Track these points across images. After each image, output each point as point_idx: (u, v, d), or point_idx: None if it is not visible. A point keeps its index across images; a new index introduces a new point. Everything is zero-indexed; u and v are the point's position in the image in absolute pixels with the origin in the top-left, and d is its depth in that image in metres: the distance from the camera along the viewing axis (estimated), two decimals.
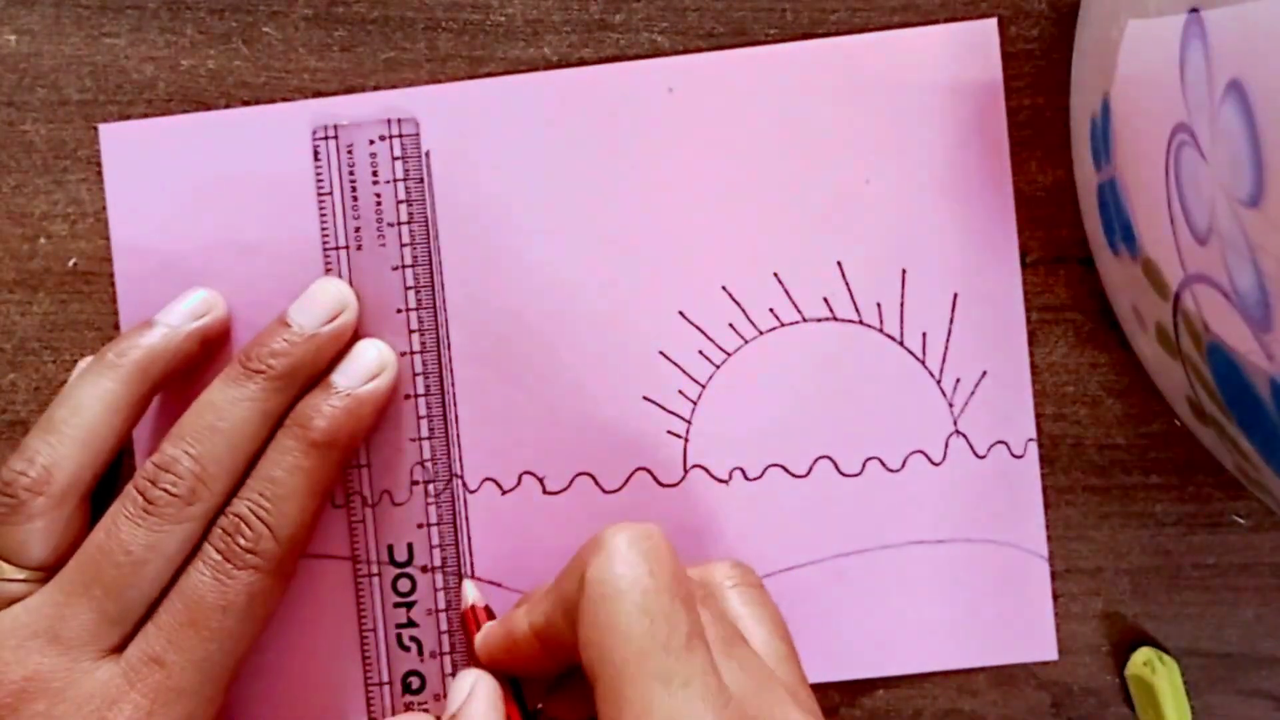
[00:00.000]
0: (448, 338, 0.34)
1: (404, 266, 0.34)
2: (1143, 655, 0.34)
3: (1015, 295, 0.34)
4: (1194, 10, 0.24)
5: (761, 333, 0.34)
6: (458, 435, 0.34)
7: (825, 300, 0.34)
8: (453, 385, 0.34)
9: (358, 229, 0.34)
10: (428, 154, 0.34)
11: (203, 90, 0.35)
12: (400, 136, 0.34)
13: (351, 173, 0.34)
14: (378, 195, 0.34)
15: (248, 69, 0.35)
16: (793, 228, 0.34)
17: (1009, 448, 0.34)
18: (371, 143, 0.34)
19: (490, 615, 0.33)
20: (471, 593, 0.34)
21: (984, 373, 0.34)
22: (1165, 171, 0.26)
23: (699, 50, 0.34)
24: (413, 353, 0.34)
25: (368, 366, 0.33)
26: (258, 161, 0.34)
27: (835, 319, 0.34)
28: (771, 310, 0.34)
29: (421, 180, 0.34)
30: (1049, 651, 0.34)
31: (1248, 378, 0.25)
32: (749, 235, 0.34)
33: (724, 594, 0.31)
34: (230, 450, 0.32)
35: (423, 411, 0.34)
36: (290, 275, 0.34)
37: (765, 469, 0.34)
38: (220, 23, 0.35)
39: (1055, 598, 0.35)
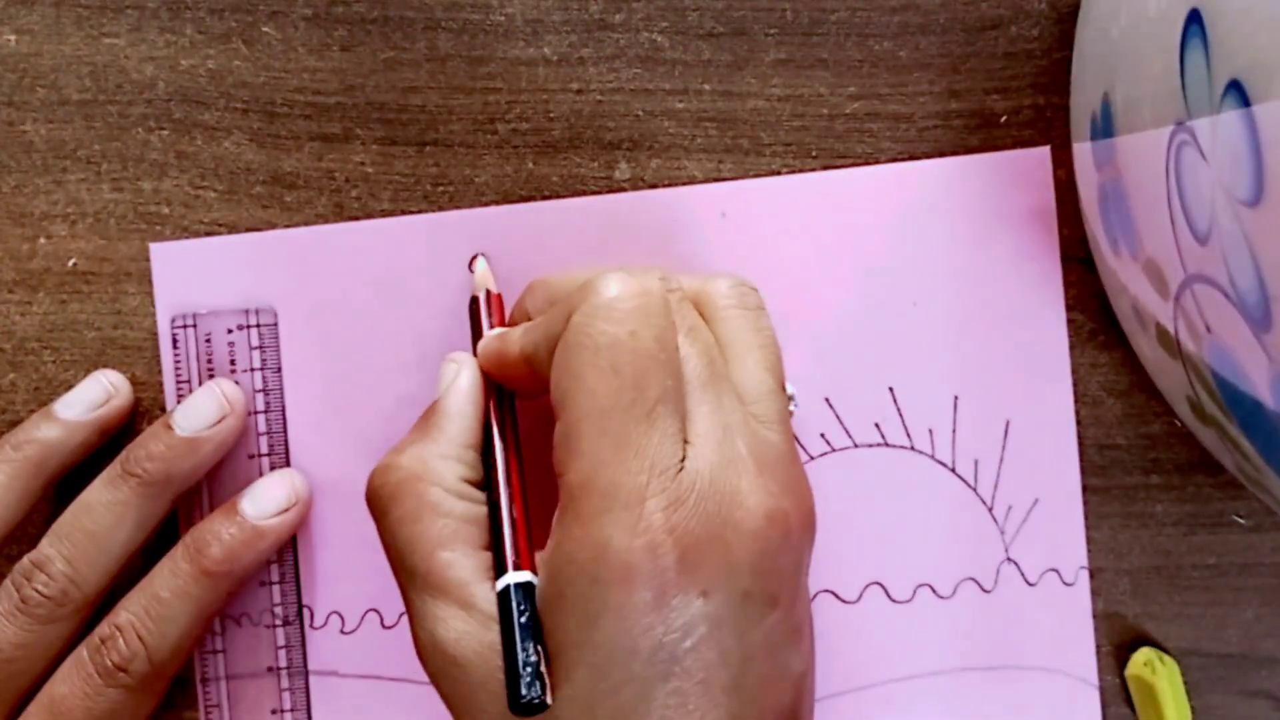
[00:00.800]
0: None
1: (259, 455, 0.34)
2: (1143, 655, 0.34)
3: (1068, 423, 0.34)
4: (1194, 10, 0.24)
5: (813, 458, 0.34)
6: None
7: (877, 425, 0.34)
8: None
9: None
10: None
11: (202, 90, 0.35)
12: (258, 326, 0.34)
13: (210, 361, 0.34)
14: (236, 384, 0.34)
15: (248, 69, 0.35)
16: (844, 353, 0.34)
17: (1060, 576, 0.34)
18: (230, 331, 0.34)
19: (501, 305, 0.33)
20: (485, 276, 0.33)
21: (1036, 500, 0.34)
22: (1165, 171, 0.26)
23: (698, 50, 0.34)
24: None
25: (276, 499, 0.33)
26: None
27: (887, 445, 0.34)
28: (823, 435, 0.34)
29: (279, 370, 0.34)
30: None
31: (1248, 378, 0.25)
32: (801, 359, 0.34)
33: (719, 316, 0.30)
34: (103, 554, 0.32)
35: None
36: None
37: (816, 594, 0.34)
38: (220, 23, 0.35)
39: None
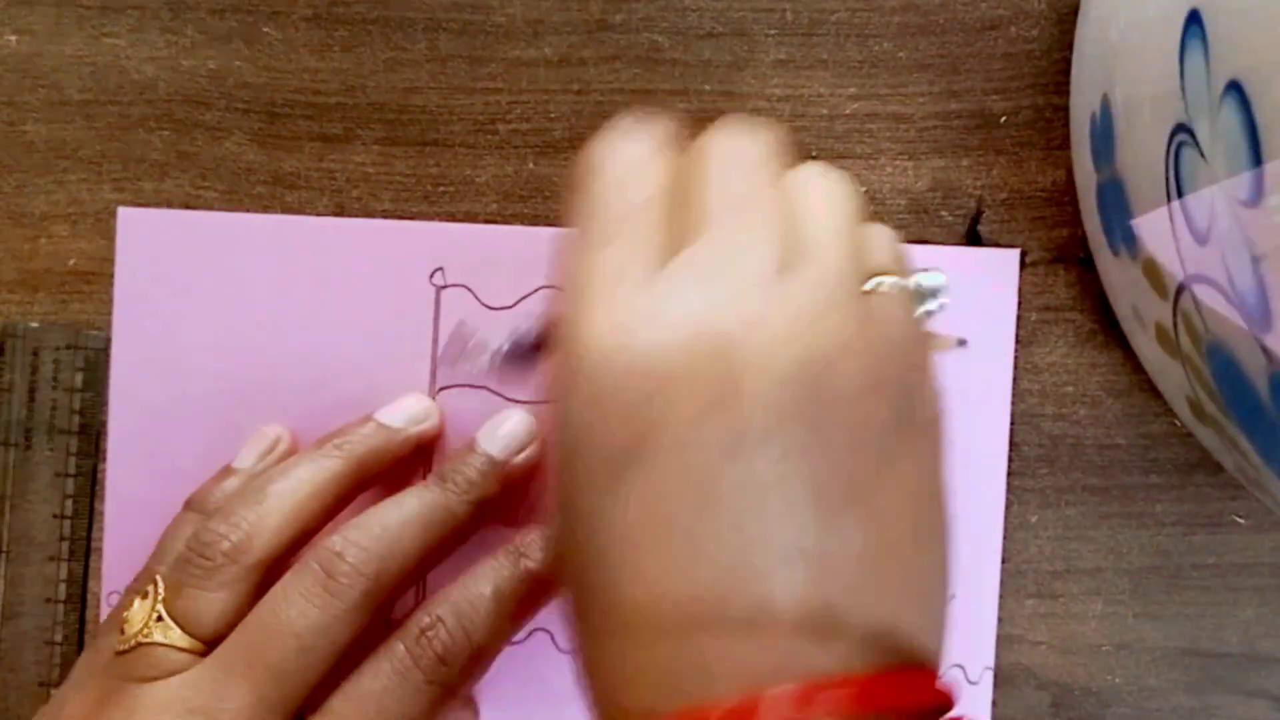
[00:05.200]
0: None
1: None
2: None
3: (996, 524, 0.34)
4: (1194, 10, 0.24)
5: None
6: None
7: None
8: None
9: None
10: None
11: (203, 90, 0.35)
12: (85, 348, 0.34)
13: (34, 373, 0.34)
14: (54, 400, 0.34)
15: (248, 69, 0.35)
16: None
17: (965, 673, 0.34)
18: (57, 349, 0.34)
19: None
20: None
21: (952, 595, 0.34)
22: (1165, 171, 0.26)
23: (698, 50, 0.34)
24: None
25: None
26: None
27: None
28: None
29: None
30: None
31: (1248, 378, 0.25)
32: None
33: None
34: (417, 546, 0.30)
35: None
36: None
37: None
38: (220, 23, 0.35)
39: (1056, 597, 0.35)
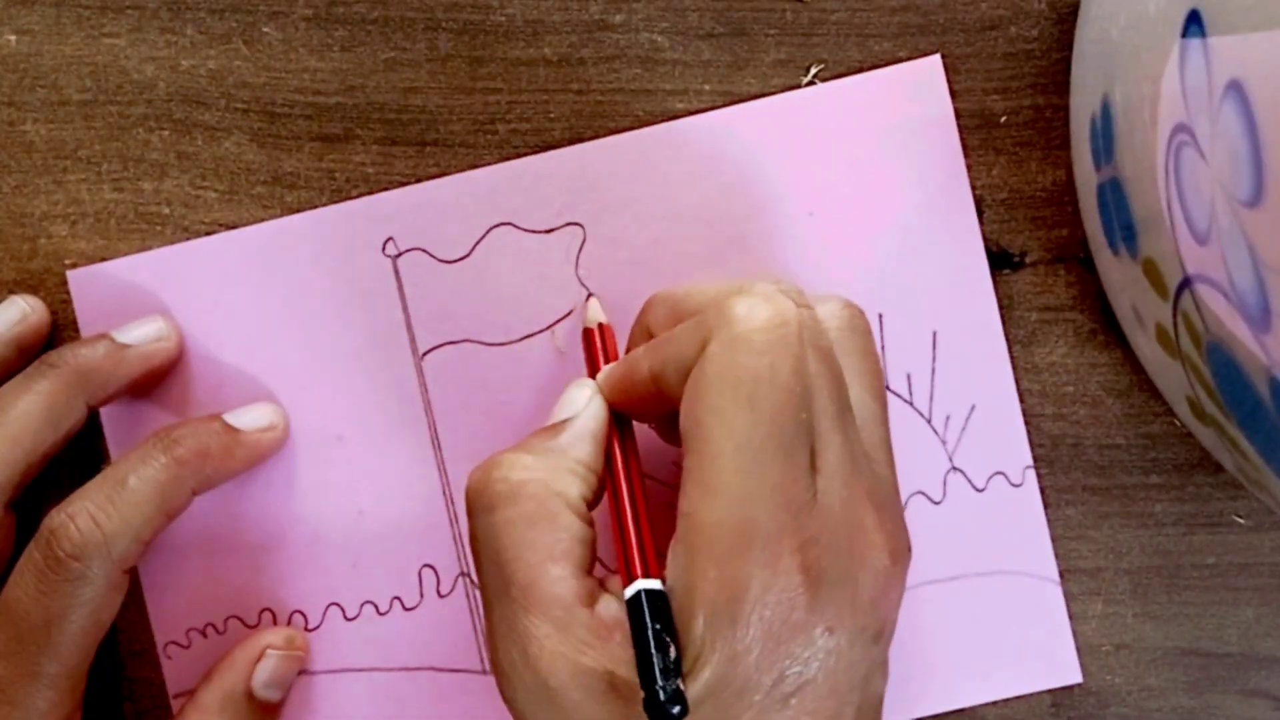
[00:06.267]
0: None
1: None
2: None
3: (994, 327, 0.34)
4: (1194, 10, 0.24)
5: None
6: (459, 534, 0.34)
7: None
8: (449, 486, 0.35)
9: None
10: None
11: (203, 90, 0.35)
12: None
13: None
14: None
15: (248, 69, 0.35)
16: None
17: (1007, 478, 0.34)
18: None
19: (613, 337, 0.33)
20: (596, 311, 0.33)
21: (973, 406, 0.34)
22: (1165, 171, 0.26)
23: (698, 50, 0.34)
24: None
25: (259, 416, 0.34)
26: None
27: None
28: None
29: None
30: (1072, 674, 0.34)
31: (1248, 378, 0.25)
32: None
33: (830, 339, 0.28)
34: (14, 445, 0.31)
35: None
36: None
37: None
38: (220, 23, 0.35)
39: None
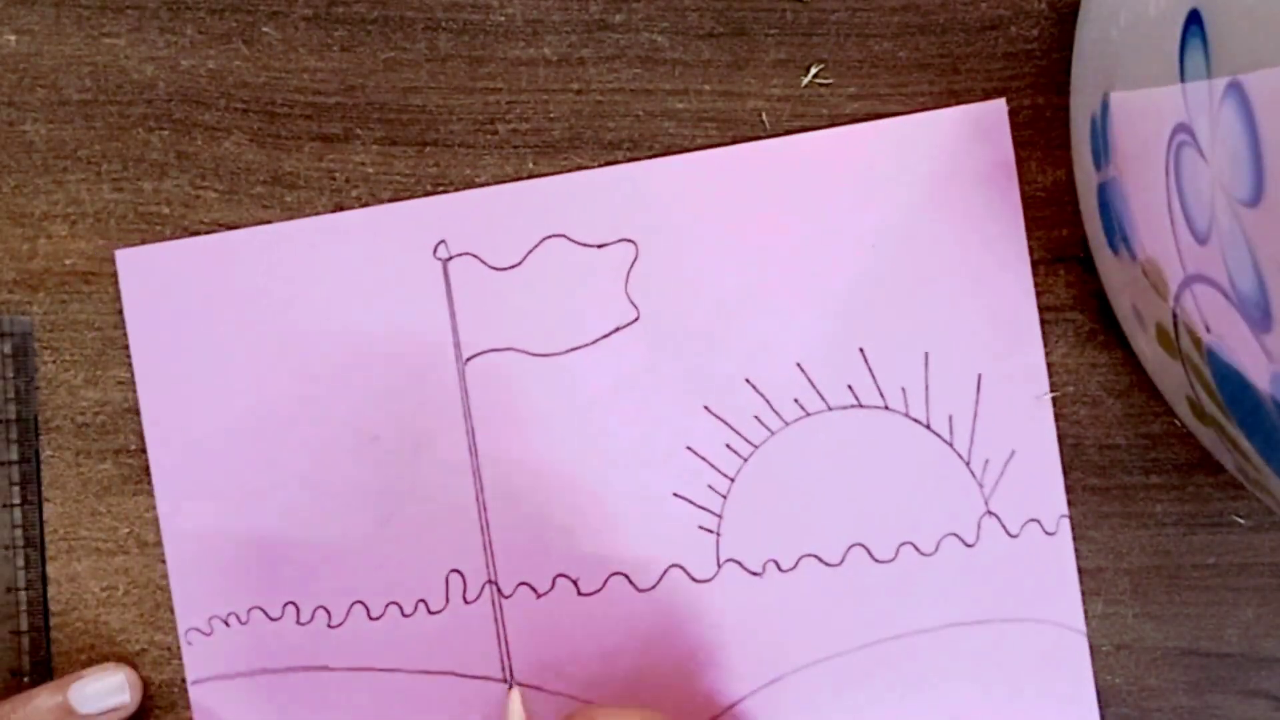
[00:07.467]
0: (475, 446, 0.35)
1: None
2: None
3: (1040, 374, 0.34)
4: (1194, 10, 0.24)
5: (788, 423, 0.34)
6: (489, 542, 0.35)
7: (849, 387, 0.34)
8: (482, 493, 0.35)
9: None
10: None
11: (203, 90, 0.35)
12: (11, 335, 0.34)
13: None
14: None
15: (248, 69, 0.35)
16: (813, 317, 0.34)
17: (1041, 525, 0.34)
18: None
19: None
20: (516, 709, 0.33)
21: (1013, 452, 0.34)
22: (1165, 171, 0.26)
23: (698, 50, 0.34)
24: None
25: (104, 693, 0.33)
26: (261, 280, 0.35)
27: (860, 406, 0.34)
28: (796, 400, 0.34)
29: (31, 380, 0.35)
30: None
31: (1248, 377, 0.25)
32: (770, 327, 0.34)
33: None
34: None
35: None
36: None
37: (799, 559, 0.34)
38: (220, 23, 0.35)
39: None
